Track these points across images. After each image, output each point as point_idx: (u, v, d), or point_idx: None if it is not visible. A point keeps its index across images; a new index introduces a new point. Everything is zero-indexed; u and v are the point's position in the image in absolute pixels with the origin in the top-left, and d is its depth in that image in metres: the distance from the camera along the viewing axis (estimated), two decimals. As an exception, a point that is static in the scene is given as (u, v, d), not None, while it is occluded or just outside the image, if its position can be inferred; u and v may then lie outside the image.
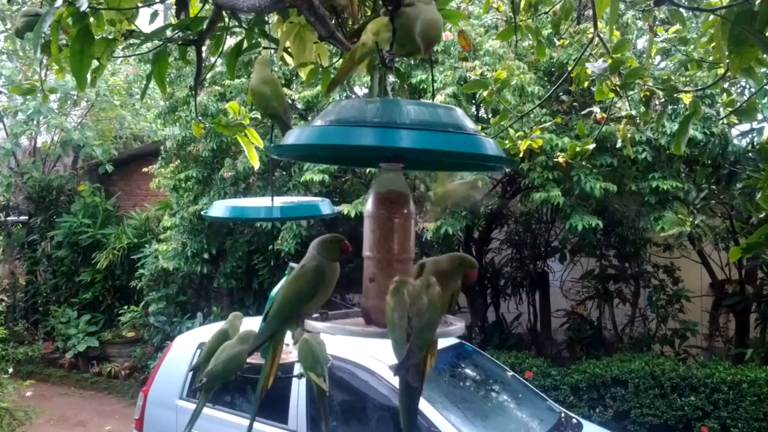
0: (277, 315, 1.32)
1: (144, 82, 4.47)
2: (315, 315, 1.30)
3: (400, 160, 1.23)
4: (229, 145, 6.48)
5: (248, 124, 2.00)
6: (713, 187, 5.57)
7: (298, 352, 1.70)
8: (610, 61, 2.15)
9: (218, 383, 1.69)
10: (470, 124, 1.08)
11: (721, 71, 2.54)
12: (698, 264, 6.55)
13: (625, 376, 5.48)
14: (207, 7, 1.90)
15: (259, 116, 2.63)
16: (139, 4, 1.79)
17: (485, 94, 2.74)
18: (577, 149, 2.94)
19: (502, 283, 7.26)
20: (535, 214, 6.99)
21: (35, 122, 9.58)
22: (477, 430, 3.87)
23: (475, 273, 1.25)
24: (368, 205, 1.24)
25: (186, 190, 6.98)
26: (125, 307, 8.63)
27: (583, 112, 4.85)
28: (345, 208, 5.34)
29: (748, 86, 4.76)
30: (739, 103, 2.64)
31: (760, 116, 4.73)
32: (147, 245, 8.31)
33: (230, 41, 2.17)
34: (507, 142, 2.74)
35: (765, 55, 1.85)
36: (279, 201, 1.77)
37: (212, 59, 2.21)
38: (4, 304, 8.75)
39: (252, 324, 1.80)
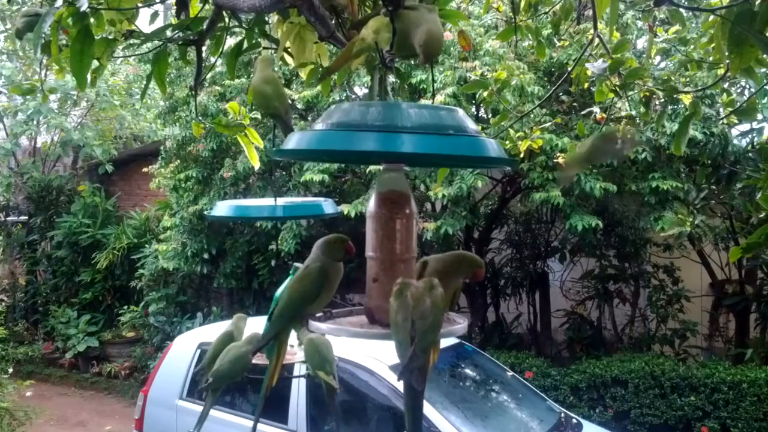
0: (281, 315, 1.32)
1: (144, 82, 4.47)
2: (319, 315, 1.30)
3: (402, 161, 1.23)
4: (229, 145, 6.48)
5: (248, 124, 2.00)
6: (713, 187, 5.57)
7: (305, 352, 1.70)
8: (609, 61, 2.15)
9: (225, 383, 1.69)
10: (472, 126, 1.08)
11: (721, 71, 2.54)
12: (698, 264, 6.55)
13: (625, 376, 5.48)
14: (207, 7, 1.90)
15: (259, 116, 2.63)
16: (139, 5, 1.79)
17: (485, 94, 2.74)
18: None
19: (502, 283, 7.25)
20: (535, 214, 6.99)
21: (35, 122, 9.57)
22: (477, 430, 3.87)
23: (482, 272, 1.26)
24: (370, 206, 1.24)
25: (186, 190, 6.98)
26: (125, 307, 8.63)
27: (582, 113, 4.85)
28: (345, 208, 5.34)
29: (748, 86, 4.76)
30: (739, 103, 2.64)
31: (760, 116, 4.73)
32: (147, 245, 8.31)
33: (230, 41, 2.18)
34: (507, 142, 2.74)
35: (765, 55, 1.85)
36: (281, 202, 1.77)
37: (212, 59, 2.21)
38: (4, 304, 8.75)
39: (255, 324, 1.80)
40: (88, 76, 1.60)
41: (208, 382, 1.69)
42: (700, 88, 3.99)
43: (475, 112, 6.05)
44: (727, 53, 1.64)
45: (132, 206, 9.96)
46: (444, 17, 1.64)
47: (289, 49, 1.75)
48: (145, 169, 7.93)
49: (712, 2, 2.61)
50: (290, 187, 6.27)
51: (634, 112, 3.87)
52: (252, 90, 1.53)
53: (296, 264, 1.46)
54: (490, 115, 5.81)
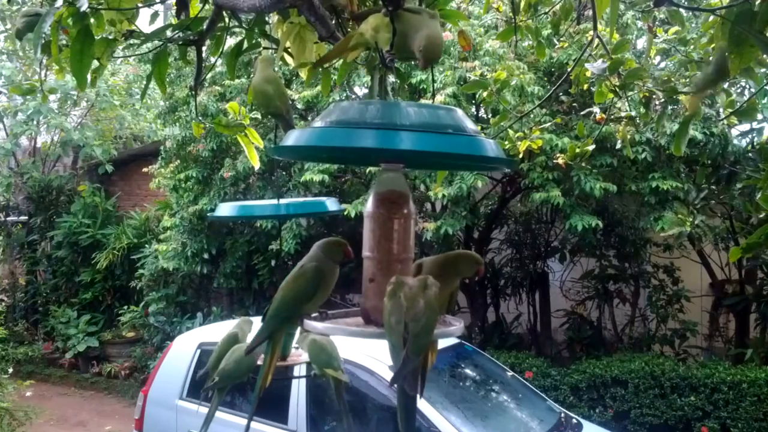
0: (276, 314, 1.32)
1: (144, 82, 4.47)
2: (314, 315, 1.30)
3: (400, 160, 1.23)
4: (229, 145, 6.48)
5: (248, 124, 2.00)
6: (713, 187, 5.57)
7: (309, 353, 1.69)
8: (609, 61, 2.15)
9: (230, 383, 1.69)
10: (471, 125, 1.08)
11: (720, 72, 2.53)
12: (698, 264, 6.56)
13: (625, 376, 5.48)
14: (207, 7, 1.90)
15: (259, 116, 2.63)
16: (140, 5, 1.79)
17: (485, 94, 2.74)
18: (577, 150, 2.94)
19: (502, 283, 7.26)
20: (535, 214, 6.99)
21: (35, 122, 9.57)
22: (477, 430, 3.87)
23: (482, 269, 1.25)
24: (368, 205, 1.24)
25: (186, 190, 6.98)
26: (125, 307, 8.63)
27: (582, 113, 4.85)
28: (345, 208, 5.34)
29: (748, 86, 4.76)
30: (739, 104, 2.64)
31: (760, 116, 4.73)
32: (147, 245, 8.31)
33: (230, 41, 2.18)
34: (507, 142, 2.74)
35: (765, 55, 1.85)
36: (283, 202, 1.77)
37: (212, 59, 2.21)
38: (4, 304, 8.75)
39: (259, 325, 1.79)
40: (88, 76, 1.60)
41: (215, 381, 1.69)
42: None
43: (475, 112, 6.05)
44: (727, 53, 1.64)
45: (132, 206, 9.96)
46: (444, 17, 1.64)
47: (289, 49, 1.75)
48: (145, 169, 7.92)
49: (712, 2, 2.61)
50: (290, 187, 6.27)
51: (634, 113, 3.87)
52: (253, 89, 1.53)
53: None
54: (490, 115, 5.81)
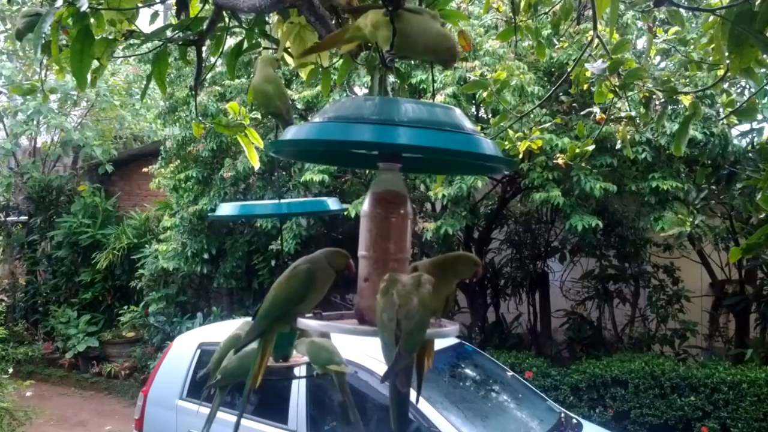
0: (266, 314, 1.31)
1: (144, 82, 4.47)
2: (309, 315, 1.29)
3: (398, 160, 1.23)
4: (229, 145, 6.48)
5: (248, 124, 2.00)
6: (713, 187, 5.57)
7: (309, 354, 1.69)
8: (609, 61, 2.15)
9: (232, 381, 1.69)
10: (468, 124, 1.08)
11: (721, 72, 2.54)
12: (698, 264, 6.56)
13: (625, 376, 5.48)
14: (207, 7, 1.90)
15: (259, 116, 2.63)
16: (140, 5, 1.79)
17: (485, 94, 2.74)
18: (577, 150, 2.94)
19: (502, 283, 7.26)
20: (535, 214, 6.99)
21: (35, 122, 9.58)
22: (477, 430, 3.87)
23: (480, 270, 1.24)
24: (365, 205, 1.23)
25: (186, 190, 6.99)
26: (125, 307, 8.64)
27: (582, 113, 4.85)
28: (346, 208, 5.34)
29: (748, 86, 4.76)
30: (739, 104, 2.64)
31: (760, 116, 4.73)
32: (147, 245, 8.31)
33: (230, 41, 2.18)
34: (507, 142, 2.74)
35: (765, 56, 1.85)
36: (284, 202, 1.77)
37: (212, 59, 2.21)
38: (4, 304, 8.75)
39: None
40: (88, 76, 1.60)
41: (217, 380, 1.69)
42: (700, 88, 3.99)
43: (475, 113, 6.05)
44: (727, 53, 1.64)
45: (132, 206, 9.96)
46: (444, 17, 1.64)
47: (289, 49, 1.75)
48: (145, 169, 7.93)
49: (712, 2, 2.61)
50: (290, 187, 6.27)
51: (634, 113, 3.87)
52: (253, 89, 1.53)
53: None
54: (490, 116, 5.81)
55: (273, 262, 6.82)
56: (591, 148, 2.88)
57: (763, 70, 2.56)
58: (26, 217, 10.38)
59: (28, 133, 9.81)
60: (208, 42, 1.91)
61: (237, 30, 2.10)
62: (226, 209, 1.79)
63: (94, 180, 10.24)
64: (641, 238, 6.49)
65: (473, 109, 5.96)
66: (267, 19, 1.89)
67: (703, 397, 5.25)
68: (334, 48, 1.39)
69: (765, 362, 5.69)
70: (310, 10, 1.44)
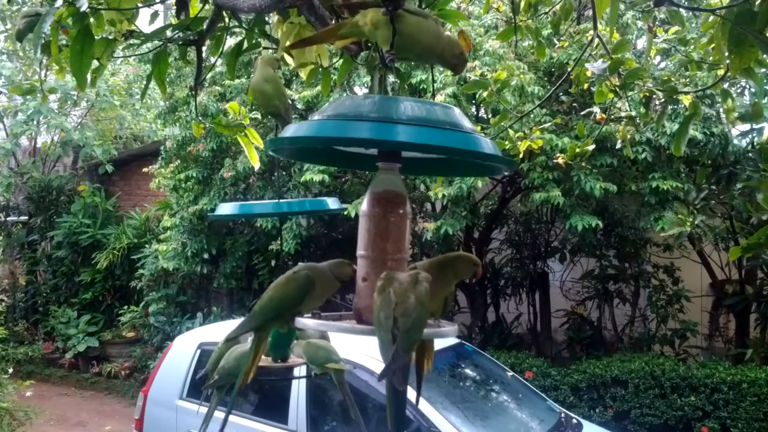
0: (260, 313, 1.31)
1: (144, 82, 4.47)
2: (307, 315, 1.29)
3: (397, 160, 1.22)
4: (229, 145, 6.48)
5: (248, 124, 2.00)
6: (713, 187, 5.57)
7: (306, 354, 1.70)
8: (609, 61, 2.15)
9: (230, 381, 1.69)
10: (467, 123, 1.08)
11: (721, 72, 2.54)
12: (698, 264, 6.56)
13: (625, 376, 5.48)
14: (207, 7, 1.90)
15: (259, 116, 2.63)
16: (139, 5, 1.79)
17: (485, 94, 2.74)
18: (577, 150, 2.94)
19: (502, 283, 7.26)
20: (535, 214, 6.99)
21: (35, 122, 9.57)
22: (477, 430, 3.87)
23: (480, 270, 1.24)
24: (364, 205, 1.23)
25: (186, 190, 6.99)
26: (125, 307, 8.64)
27: (582, 113, 4.85)
28: (346, 207, 5.34)
29: (748, 86, 4.76)
30: (739, 105, 2.64)
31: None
32: (147, 245, 8.31)
33: (230, 41, 2.18)
34: (507, 142, 2.74)
35: (765, 56, 1.85)
36: (284, 201, 1.78)
37: (212, 59, 2.21)
38: (4, 304, 8.74)
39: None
40: (88, 76, 1.60)
41: (215, 379, 1.69)
42: (700, 88, 3.99)
43: (475, 112, 6.05)
44: (727, 53, 1.64)
45: (132, 206, 9.96)
46: (444, 17, 1.64)
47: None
48: (145, 169, 7.93)
49: (712, 2, 2.61)
50: (290, 187, 6.27)
51: (634, 113, 3.87)
52: (252, 89, 1.53)
53: None
54: (490, 116, 5.81)
55: (273, 262, 6.82)
56: (591, 148, 2.88)
57: (763, 70, 2.56)
58: (26, 217, 10.38)
59: (28, 133, 9.81)
60: (208, 42, 1.91)
61: (237, 30, 2.10)
62: (226, 209, 1.79)
63: (94, 180, 10.24)
64: (641, 238, 6.49)
65: (473, 109, 5.96)
66: (267, 19, 1.89)
67: (703, 397, 5.25)
68: (328, 42, 1.38)
69: (765, 362, 5.69)
70: (310, 10, 1.44)
